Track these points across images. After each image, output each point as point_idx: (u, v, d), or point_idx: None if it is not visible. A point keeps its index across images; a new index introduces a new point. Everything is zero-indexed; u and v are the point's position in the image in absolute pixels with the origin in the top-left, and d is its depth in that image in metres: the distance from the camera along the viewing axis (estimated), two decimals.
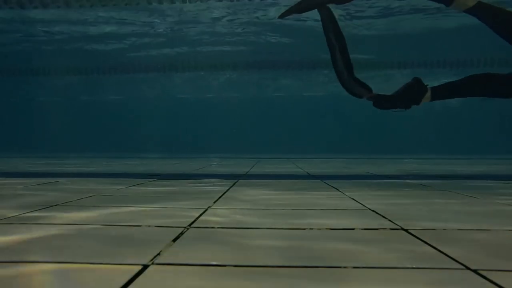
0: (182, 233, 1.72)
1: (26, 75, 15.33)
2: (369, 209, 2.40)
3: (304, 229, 1.83)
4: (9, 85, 17.82)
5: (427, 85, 4.00)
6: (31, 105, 21.38)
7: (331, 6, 3.94)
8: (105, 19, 11.70)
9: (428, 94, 3.96)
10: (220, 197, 2.93)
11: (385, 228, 1.85)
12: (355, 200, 2.79)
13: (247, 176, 5.13)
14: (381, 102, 4.03)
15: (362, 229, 1.82)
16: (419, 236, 1.68)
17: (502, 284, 1.11)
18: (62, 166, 7.86)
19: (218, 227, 1.85)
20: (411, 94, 3.98)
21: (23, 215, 2.15)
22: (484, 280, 1.15)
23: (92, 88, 20.02)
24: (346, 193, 3.17)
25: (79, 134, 20.10)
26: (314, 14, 4.06)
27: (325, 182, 4.14)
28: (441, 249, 1.47)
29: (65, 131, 20.09)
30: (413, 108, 4.17)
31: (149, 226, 1.89)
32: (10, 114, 20.67)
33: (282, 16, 4.05)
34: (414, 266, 1.28)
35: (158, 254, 1.40)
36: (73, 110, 20.97)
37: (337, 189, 3.46)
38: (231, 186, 3.68)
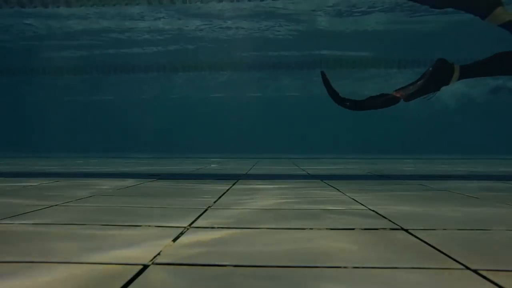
0: (182, 233, 1.72)
1: (24, 74, 15.26)
2: (369, 209, 2.40)
3: (304, 229, 1.83)
4: (5, 85, 17.77)
5: (453, 63, 3.97)
6: (27, 105, 21.34)
7: None
8: (104, 16, 11.62)
9: (457, 73, 3.93)
10: (220, 197, 2.93)
11: (385, 228, 1.85)
12: (355, 200, 2.79)
13: (247, 176, 5.13)
14: (410, 96, 4.04)
15: (362, 229, 1.82)
16: (419, 236, 1.68)
17: (502, 284, 1.11)
18: (61, 166, 7.86)
19: (218, 227, 1.85)
20: (438, 77, 3.95)
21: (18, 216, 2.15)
22: (484, 280, 1.15)
23: (88, 88, 19.98)
24: (346, 193, 3.17)
25: (77, 135, 20.10)
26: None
27: (325, 182, 4.14)
28: (441, 249, 1.47)
29: (64, 132, 20.09)
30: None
31: (149, 226, 1.89)
32: (7, 114, 20.65)
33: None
34: (414, 266, 1.28)
35: (158, 254, 1.40)
36: (70, 110, 20.95)
37: (337, 189, 3.46)
38: (231, 186, 3.68)
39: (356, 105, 4.25)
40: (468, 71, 3.99)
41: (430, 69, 4.03)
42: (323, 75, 4.34)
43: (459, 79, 3.99)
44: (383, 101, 4.16)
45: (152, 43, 14.01)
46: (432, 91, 4.05)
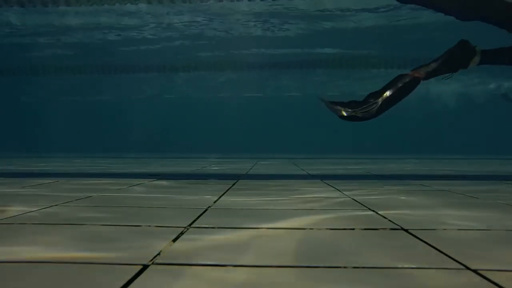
0: (182, 233, 1.72)
1: (24, 74, 15.17)
2: (369, 209, 2.40)
3: (304, 229, 1.83)
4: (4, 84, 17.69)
5: (475, 46, 3.86)
6: (25, 105, 21.29)
7: None
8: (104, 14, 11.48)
9: (478, 57, 3.82)
10: (220, 196, 2.93)
11: (385, 228, 1.85)
12: (355, 200, 2.79)
13: (247, 176, 5.13)
14: (430, 74, 3.89)
15: (362, 229, 1.82)
16: (419, 236, 1.68)
17: (502, 284, 1.11)
18: (61, 166, 7.86)
19: (218, 227, 1.85)
20: (458, 58, 3.83)
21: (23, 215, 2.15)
22: (484, 280, 1.15)
23: (88, 88, 19.92)
24: (346, 193, 3.17)
25: (77, 135, 20.09)
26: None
27: (325, 182, 4.14)
28: (441, 249, 1.47)
29: (63, 131, 20.09)
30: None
31: (149, 226, 1.89)
32: (6, 114, 20.61)
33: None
34: (414, 266, 1.28)
35: (158, 254, 1.40)
36: (69, 110, 20.92)
37: (338, 189, 3.45)
38: (231, 186, 3.68)
39: (381, 107, 3.87)
40: (489, 57, 3.85)
41: (451, 48, 3.91)
42: (327, 103, 4.08)
43: (479, 63, 3.83)
44: (404, 86, 3.91)
45: (152, 41, 13.92)
46: (450, 71, 3.92)
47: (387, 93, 3.92)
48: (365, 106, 3.91)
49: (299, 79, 18.83)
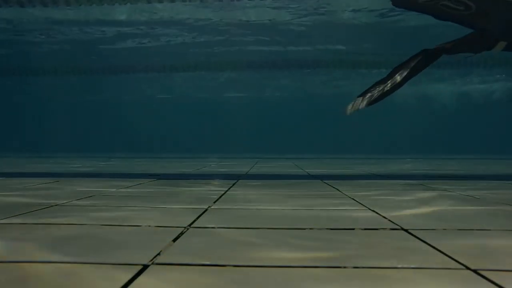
0: (182, 233, 1.72)
1: (24, 74, 15.11)
2: (369, 209, 2.40)
3: (304, 229, 1.83)
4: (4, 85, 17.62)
5: None
6: (24, 105, 21.27)
7: None
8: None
9: (504, 42, 3.76)
10: (220, 196, 2.93)
11: (385, 228, 1.85)
12: (355, 200, 2.79)
13: (247, 176, 5.13)
14: (455, 48, 3.81)
15: (362, 229, 1.82)
16: (419, 236, 1.68)
17: (502, 284, 1.11)
18: (60, 166, 7.86)
19: (217, 227, 1.85)
20: (483, 39, 3.76)
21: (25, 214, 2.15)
22: (484, 280, 1.15)
23: (87, 88, 19.88)
24: (346, 193, 3.17)
25: (76, 135, 20.09)
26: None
27: (325, 182, 4.14)
28: (441, 249, 1.47)
29: (63, 131, 20.08)
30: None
31: (149, 226, 1.88)
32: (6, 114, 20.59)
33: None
34: (414, 266, 1.28)
35: (158, 254, 1.40)
36: (65, 110, 20.90)
37: (338, 190, 3.46)
38: (232, 186, 3.68)
39: (406, 76, 3.74)
40: None
41: (476, 31, 3.83)
42: (354, 105, 3.96)
43: (504, 49, 3.76)
44: (427, 56, 3.79)
45: (151, 39, 13.84)
46: (472, 51, 3.86)
47: (411, 64, 3.85)
48: (391, 78, 3.85)
49: (299, 79, 18.81)
